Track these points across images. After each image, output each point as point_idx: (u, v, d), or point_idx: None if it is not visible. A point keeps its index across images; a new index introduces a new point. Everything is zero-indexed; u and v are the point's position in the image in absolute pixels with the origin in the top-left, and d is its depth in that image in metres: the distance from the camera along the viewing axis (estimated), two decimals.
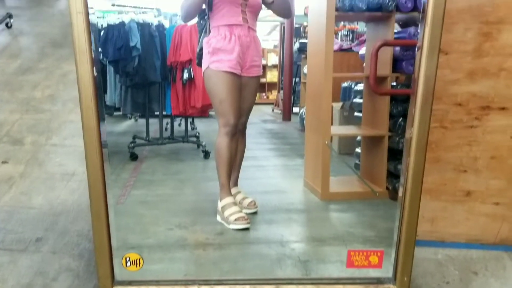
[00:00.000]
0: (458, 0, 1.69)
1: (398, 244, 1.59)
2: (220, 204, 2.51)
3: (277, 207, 2.77)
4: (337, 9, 2.79)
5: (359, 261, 1.67)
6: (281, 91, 7.37)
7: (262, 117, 7.47)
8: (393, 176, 2.99)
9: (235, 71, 2.44)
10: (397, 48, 2.92)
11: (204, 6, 2.55)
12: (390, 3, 2.80)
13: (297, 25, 7.31)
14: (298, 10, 6.90)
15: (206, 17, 2.56)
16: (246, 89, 2.56)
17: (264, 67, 10.21)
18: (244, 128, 2.70)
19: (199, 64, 2.61)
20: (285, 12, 2.60)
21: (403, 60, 2.92)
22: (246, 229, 2.39)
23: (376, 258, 1.65)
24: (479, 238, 2.08)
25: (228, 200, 2.50)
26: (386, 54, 2.92)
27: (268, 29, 12.50)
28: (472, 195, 1.99)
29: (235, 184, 2.73)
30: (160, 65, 3.88)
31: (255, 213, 2.62)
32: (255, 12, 2.54)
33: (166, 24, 4.21)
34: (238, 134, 2.64)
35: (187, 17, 2.54)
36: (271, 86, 10.20)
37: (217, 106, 2.48)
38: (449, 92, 1.81)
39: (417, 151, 1.58)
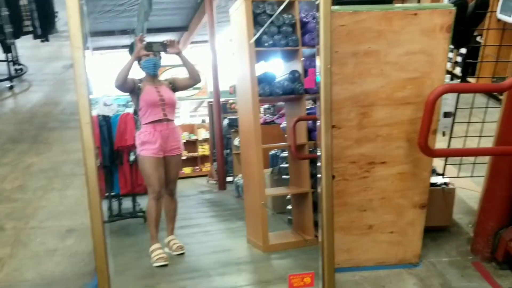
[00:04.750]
0: (341, 93, 2.58)
1: (323, 270, 2.28)
2: (150, 249, 3.47)
3: (227, 262, 3.44)
4: (260, 95, 3.65)
5: (297, 283, 2.35)
6: (214, 163, 8.07)
7: (199, 188, 8.13)
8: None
9: (157, 155, 3.48)
10: (310, 122, 3.81)
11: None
12: (300, 88, 3.71)
13: (222, 102, 8.22)
14: (223, 87, 7.88)
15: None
16: (170, 164, 3.63)
17: (195, 142, 11.03)
18: (173, 192, 3.71)
19: None
20: (195, 76, 3.62)
21: (315, 131, 3.80)
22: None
23: (309, 279, 2.34)
24: (383, 261, 2.87)
25: (155, 246, 3.48)
26: (302, 126, 3.80)
27: (194, 105, 13.53)
28: (373, 228, 2.80)
29: (172, 233, 3.70)
30: (108, 150, 4.47)
31: (209, 269, 3.26)
32: (172, 107, 3.63)
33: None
34: (169, 197, 3.67)
35: (118, 84, 3.34)
36: (204, 159, 10.94)
37: (146, 179, 3.55)
38: (345, 154, 2.65)
39: (326, 200, 2.35)
